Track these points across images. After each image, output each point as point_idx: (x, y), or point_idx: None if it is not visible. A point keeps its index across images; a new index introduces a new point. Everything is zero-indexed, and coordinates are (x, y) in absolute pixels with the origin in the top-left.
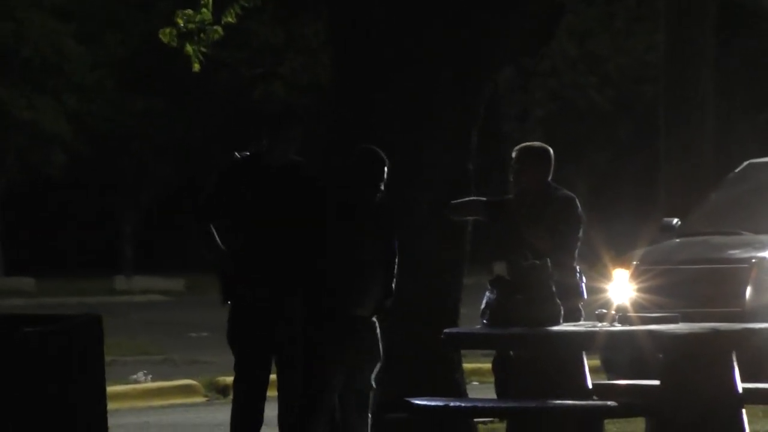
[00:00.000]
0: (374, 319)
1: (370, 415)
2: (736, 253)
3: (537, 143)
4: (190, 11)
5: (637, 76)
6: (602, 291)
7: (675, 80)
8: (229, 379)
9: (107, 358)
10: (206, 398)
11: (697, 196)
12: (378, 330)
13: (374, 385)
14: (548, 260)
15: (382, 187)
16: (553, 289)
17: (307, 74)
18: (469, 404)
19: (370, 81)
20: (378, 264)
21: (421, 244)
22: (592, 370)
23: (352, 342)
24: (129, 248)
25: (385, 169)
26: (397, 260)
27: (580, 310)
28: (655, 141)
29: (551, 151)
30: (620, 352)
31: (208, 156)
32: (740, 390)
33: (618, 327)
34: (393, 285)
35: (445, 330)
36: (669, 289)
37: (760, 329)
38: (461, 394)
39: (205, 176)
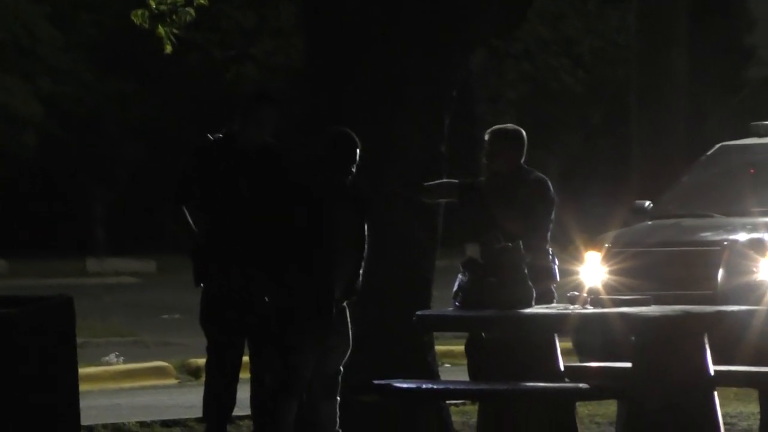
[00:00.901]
0: (344, 304)
1: (338, 399)
2: (708, 235)
3: (510, 125)
4: None
5: (610, 58)
6: (574, 273)
7: (647, 62)
8: (201, 361)
9: (79, 340)
10: (178, 380)
11: (669, 179)
12: (348, 313)
13: (342, 370)
14: (520, 243)
15: (354, 169)
16: (526, 271)
17: (280, 56)
18: (441, 386)
19: (342, 63)
20: (348, 246)
21: (394, 226)
22: (564, 353)
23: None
24: (101, 230)
25: (357, 151)
26: (367, 243)
27: (552, 293)
28: (628, 123)
29: (524, 133)
30: (592, 334)
31: (180, 138)
32: (712, 372)
33: (590, 309)
34: (362, 268)
35: (418, 312)
36: (641, 271)
37: (732, 312)
38: (433, 376)
39: (177, 158)
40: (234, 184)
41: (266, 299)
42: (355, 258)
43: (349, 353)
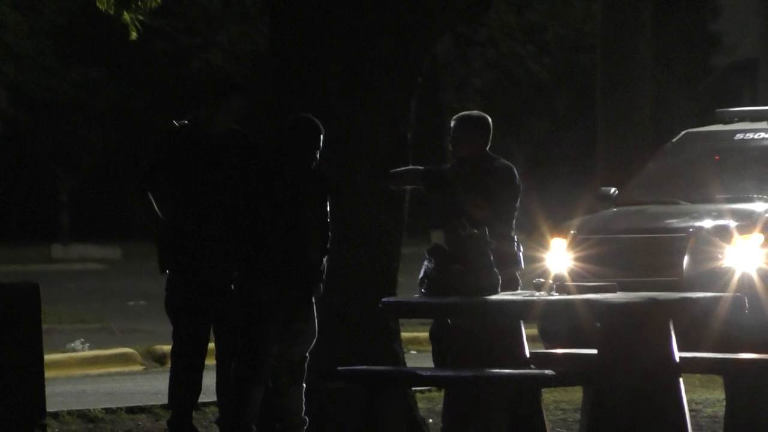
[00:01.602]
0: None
1: (304, 385)
2: (674, 222)
3: (475, 112)
4: None
5: (575, 45)
6: (540, 260)
7: (612, 49)
8: (167, 348)
9: (44, 327)
10: (143, 367)
11: (634, 166)
12: (313, 300)
13: (308, 356)
14: (486, 229)
15: (318, 156)
16: (491, 258)
17: (245, 43)
18: (407, 373)
19: (307, 50)
20: (313, 232)
21: (359, 212)
22: (529, 339)
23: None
24: (66, 216)
25: (321, 137)
26: (331, 229)
27: (517, 279)
28: (593, 111)
29: (490, 120)
30: (558, 321)
31: (146, 124)
32: (677, 359)
33: (555, 296)
34: (327, 253)
35: (383, 299)
36: (606, 258)
37: (697, 298)
38: (399, 363)
39: (143, 144)
40: (201, 171)
41: (231, 285)
42: (319, 243)
43: (315, 340)
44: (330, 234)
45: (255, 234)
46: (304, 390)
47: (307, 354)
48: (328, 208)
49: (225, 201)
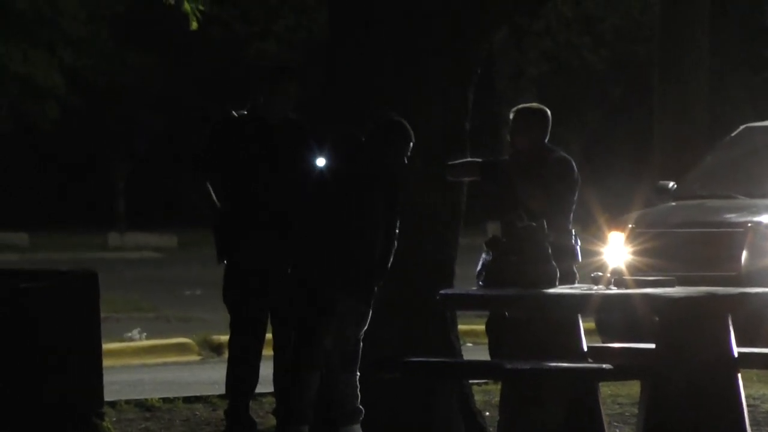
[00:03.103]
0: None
1: (358, 373)
2: (732, 216)
3: (534, 104)
4: None
5: (631, 36)
6: (597, 254)
7: (670, 40)
8: (224, 338)
9: (101, 315)
10: (200, 356)
11: (690, 158)
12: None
13: (361, 341)
14: (544, 221)
15: (405, 161)
16: (549, 251)
17: (301, 32)
18: (463, 365)
19: (365, 39)
20: (372, 232)
21: (417, 204)
22: (586, 333)
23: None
24: (122, 204)
25: (411, 144)
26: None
27: (574, 273)
28: (648, 101)
29: (548, 112)
30: (615, 314)
31: (201, 112)
32: (735, 354)
33: (613, 290)
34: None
35: (441, 291)
36: (664, 252)
37: (756, 293)
38: (456, 354)
39: (198, 132)
40: (257, 158)
41: (288, 272)
42: (382, 245)
43: (366, 325)
44: (395, 240)
45: (312, 226)
46: (357, 378)
47: (360, 339)
48: (396, 214)
49: (281, 189)
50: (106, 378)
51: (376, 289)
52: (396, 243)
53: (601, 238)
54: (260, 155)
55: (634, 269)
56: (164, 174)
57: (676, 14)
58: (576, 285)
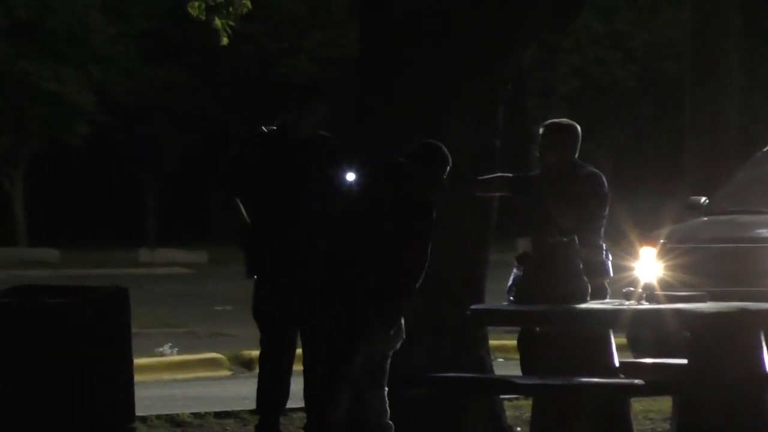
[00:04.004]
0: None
1: (386, 389)
2: (764, 232)
3: (564, 120)
4: None
5: (662, 52)
6: (628, 269)
7: (701, 56)
8: (254, 353)
9: (132, 331)
10: (231, 372)
11: (721, 174)
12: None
13: (389, 357)
14: (575, 237)
15: (438, 185)
16: (580, 266)
17: (331, 48)
18: (494, 380)
19: (395, 55)
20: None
21: (448, 219)
22: (618, 348)
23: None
24: (152, 220)
25: (448, 168)
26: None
27: (605, 288)
28: (678, 117)
29: (578, 127)
30: (647, 330)
31: (229, 128)
32: (767, 369)
33: (645, 305)
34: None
35: (472, 306)
36: (696, 267)
37: None
38: (486, 370)
39: (227, 149)
40: (286, 175)
41: (317, 288)
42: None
43: (400, 342)
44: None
45: (344, 239)
46: (386, 393)
47: (390, 355)
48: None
49: (309, 206)
50: (138, 393)
51: (406, 305)
52: (428, 261)
53: (632, 254)
54: (289, 172)
55: (665, 284)
56: (194, 190)
57: (707, 31)
58: (607, 300)
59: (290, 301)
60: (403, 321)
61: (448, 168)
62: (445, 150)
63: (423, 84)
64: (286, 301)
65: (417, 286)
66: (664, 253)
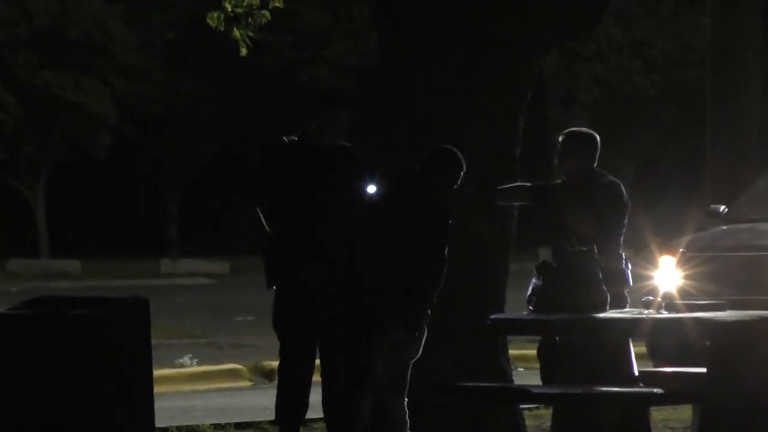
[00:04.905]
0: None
1: (407, 399)
2: None
3: (584, 129)
4: None
5: (682, 60)
6: (648, 278)
7: (721, 64)
8: (275, 363)
9: (153, 342)
10: (251, 382)
11: (743, 182)
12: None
13: (410, 366)
14: (594, 246)
15: (456, 189)
16: (600, 275)
17: (352, 57)
18: (515, 389)
19: (415, 63)
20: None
21: (465, 226)
22: (638, 357)
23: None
24: (174, 231)
25: (462, 173)
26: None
27: (625, 297)
28: (699, 124)
29: (597, 136)
30: (667, 339)
31: (253, 138)
32: None
33: (665, 314)
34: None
35: (492, 315)
36: (716, 276)
37: None
38: (507, 379)
39: (249, 159)
40: (307, 185)
41: (337, 298)
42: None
43: (420, 351)
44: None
45: (364, 248)
46: (406, 403)
47: (410, 363)
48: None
49: (331, 216)
50: (158, 404)
51: (427, 314)
52: (446, 269)
53: (652, 263)
54: (310, 182)
55: (685, 293)
56: (216, 200)
57: (727, 38)
58: (627, 309)
59: (310, 312)
60: (426, 327)
61: (463, 173)
62: (460, 155)
63: (441, 92)
64: (306, 311)
65: (438, 289)
66: (684, 261)
